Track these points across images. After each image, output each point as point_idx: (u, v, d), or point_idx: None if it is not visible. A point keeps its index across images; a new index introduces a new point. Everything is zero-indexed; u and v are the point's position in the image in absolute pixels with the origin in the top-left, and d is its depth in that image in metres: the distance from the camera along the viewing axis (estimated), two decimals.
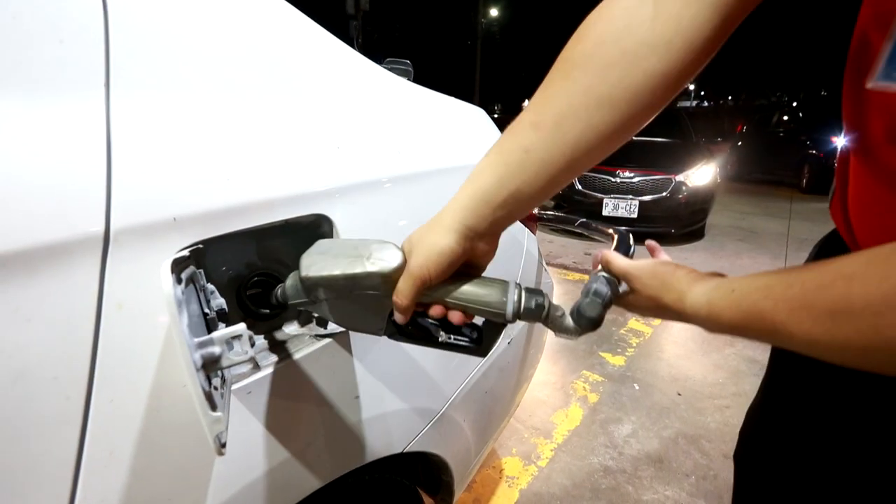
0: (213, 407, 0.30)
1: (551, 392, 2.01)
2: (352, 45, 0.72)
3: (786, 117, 9.11)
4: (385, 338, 0.48)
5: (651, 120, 0.37)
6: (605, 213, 4.34)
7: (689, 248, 4.34)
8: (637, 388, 2.05)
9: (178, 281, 0.32)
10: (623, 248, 0.54)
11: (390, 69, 0.81)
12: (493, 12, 19.16)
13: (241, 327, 0.32)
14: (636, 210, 4.27)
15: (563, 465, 1.57)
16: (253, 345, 0.33)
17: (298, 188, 0.53)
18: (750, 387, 2.05)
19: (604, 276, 0.44)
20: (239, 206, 0.47)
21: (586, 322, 0.41)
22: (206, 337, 0.31)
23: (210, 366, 0.31)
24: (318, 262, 0.44)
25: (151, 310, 0.40)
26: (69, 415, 0.36)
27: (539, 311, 0.41)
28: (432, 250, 0.39)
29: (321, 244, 0.48)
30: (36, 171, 0.34)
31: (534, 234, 1.11)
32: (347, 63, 0.69)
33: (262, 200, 0.49)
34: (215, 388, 0.34)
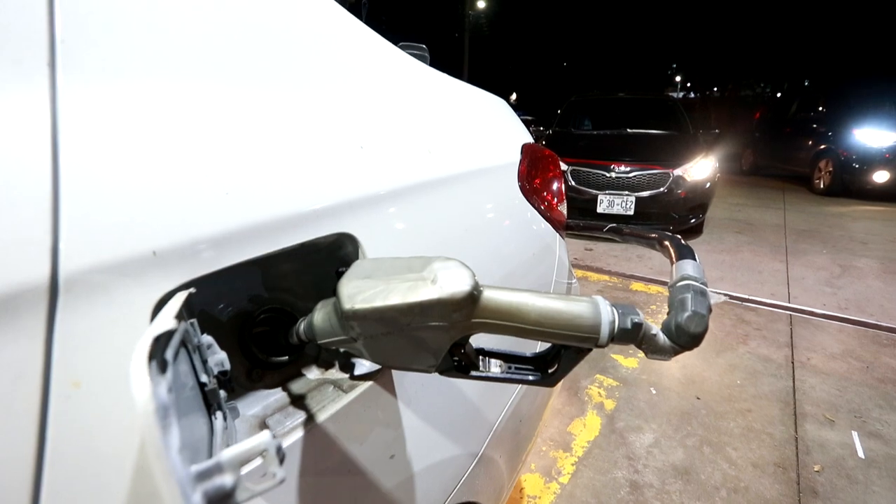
0: None
1: (566, 399, 1.91)
2: None
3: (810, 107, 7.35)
4: (424, 379, 0.39)
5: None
6: (599, 210, 4.13)
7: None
8: (654, 392, 1.96)
9: (163, 368, 0.21)
10: (688, 253, 0.49)
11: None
12: (481, 4, 18.92)
13: (264, 438, 0.21)
14: (632, 207, 4.08)
15: (587, 481, 1.47)
16: (282, 459, 0.21)
17: (317, 201, 0.41)
18: (769, 388, 1.98)
19: (694, 286, 0.40)
20: (242, 229, 0.35)
21: (689, 340, 0.36)
22: (211, 462, 0.19)
23: None
24: (365, 291, 0.33)
25: (125, 387, 0.28)
26: None
27: (635, 332, 0.34)
28: None
29: (361, 267, 0.37)
30: None
31: (564, 239, 1.00)
32: (367, 45, 0.57)
33: (272, 220, 0.37)
34: None
